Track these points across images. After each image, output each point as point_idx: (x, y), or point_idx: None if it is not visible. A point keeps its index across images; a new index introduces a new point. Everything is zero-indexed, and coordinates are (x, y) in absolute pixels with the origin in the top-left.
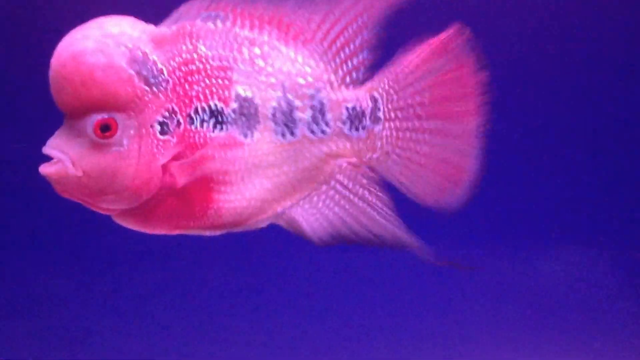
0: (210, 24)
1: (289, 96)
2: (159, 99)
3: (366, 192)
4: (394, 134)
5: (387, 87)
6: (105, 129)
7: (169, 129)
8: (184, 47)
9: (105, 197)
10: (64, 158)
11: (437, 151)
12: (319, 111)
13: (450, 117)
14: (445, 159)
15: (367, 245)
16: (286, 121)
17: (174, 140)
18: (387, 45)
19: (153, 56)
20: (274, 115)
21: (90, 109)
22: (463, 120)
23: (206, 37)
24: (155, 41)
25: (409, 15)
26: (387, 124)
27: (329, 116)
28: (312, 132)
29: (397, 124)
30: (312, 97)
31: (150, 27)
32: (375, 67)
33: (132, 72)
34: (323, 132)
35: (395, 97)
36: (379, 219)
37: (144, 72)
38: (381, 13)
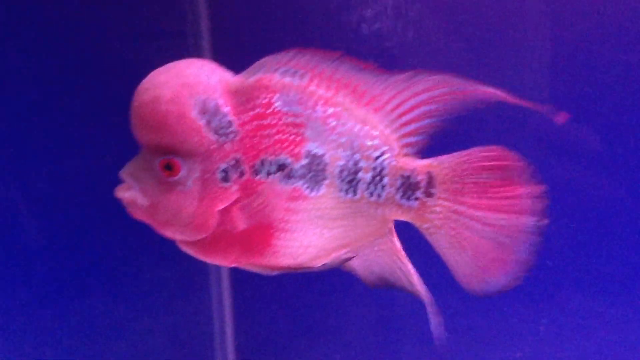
0: (287, 79)
1: (357, 156)
2: (225, 149)
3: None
4: (445, 212)
5: (445, 169)
6: (169, 168)
7: (230, 177)
8: (258, 101)
9: (168, 228)
10: (134, 187)
11: (483, 241)
12: (379, 174)
13: (502, 213)
14: (491, 248)
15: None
16: (350, 179)
17: (235, 188)
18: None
19: (226, 108)
20: (341, 172)
21: (160, 149)
22: (514, 219)
23: (282, 92)
24: (230, 92)
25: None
26: (439, 202)
27: (385, 180)
28: (370, 194)
29: (449, 204)
30: (375, 159)
31: (228, 76)
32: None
33: (202, 122)
34: (379, 195)
35: (450, 181)
36: (417, 284)
37: (214, 123)
38: (455, 107)
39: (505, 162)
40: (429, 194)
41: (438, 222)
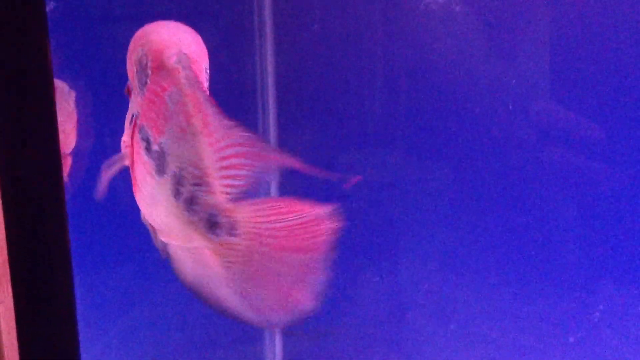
0: (190, 84)
1: (184, 174)
2: (138, 100)
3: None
4: (245, 251)
5: (249, 214)
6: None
7: (132, 121)
8: (163, 83)
9: None
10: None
11: (278, 278)
12: (194, 200)
13: (297, 254)
14: (286, 285)
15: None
16: (177, 188)
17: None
18: None
19: (150, 70)
20: (172, 177)
21: None
22: (307, 258)
23: (177, 88)
24: (163, 63)
25: None
26: (241, 241)
27: (197, 208)
28: (187, 210)
29: (249, 244)
30: (193, 185)
31: (183, 51)
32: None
33: (134, 69)
34: (191, 216)
35: (253, 224)
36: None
37: (140, 75)
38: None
39: (298, 213)
40: (230, 234)
41: (237, 259)
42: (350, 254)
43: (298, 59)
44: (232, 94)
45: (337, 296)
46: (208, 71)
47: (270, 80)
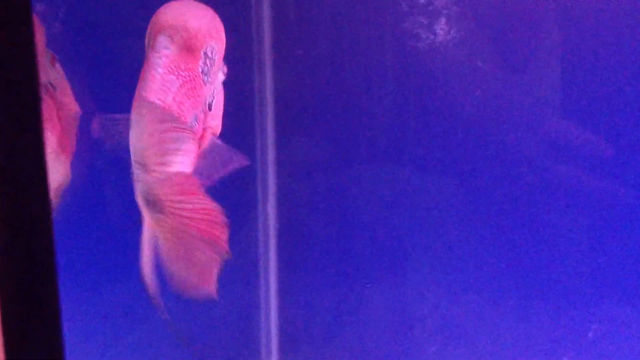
0: (159, 79)
1: (134, 152)
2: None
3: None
4: (171, 228)
5: (167, 194)
6: None
7: None
8: (147, 64)
9: None
10: None
11: (194, 257)
12: (136, 177)
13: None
14: (190, 267)
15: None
16: (132, 163)
17: None
18: None
19: (149, 48)
20: (130, 153)
21: None
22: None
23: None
24: (154, 41)
25: None
26: (167, 218)
27: (138, 185)
28: (135, 186)
29: (173, 222)
30: (138, 164)
31: (163, 39)
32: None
33: (146, 39)
34: (137, 190)
35: (168, 206)
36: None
37: (147, 48)
38: None
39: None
40: (160, 211)
41: (166, 235)
42: (354, 266)
43: (297, 67)
44: (231, 102)
45: (341, 307)
46: (215, 55)
47: (269, 89)
